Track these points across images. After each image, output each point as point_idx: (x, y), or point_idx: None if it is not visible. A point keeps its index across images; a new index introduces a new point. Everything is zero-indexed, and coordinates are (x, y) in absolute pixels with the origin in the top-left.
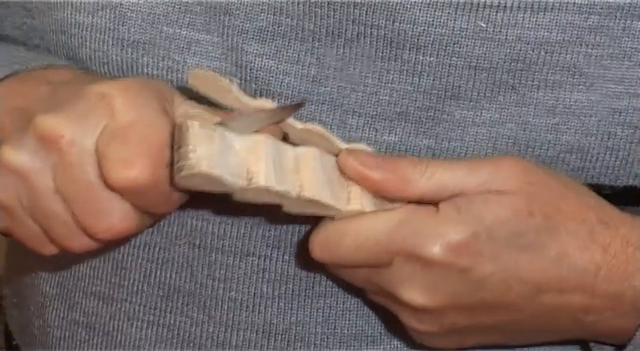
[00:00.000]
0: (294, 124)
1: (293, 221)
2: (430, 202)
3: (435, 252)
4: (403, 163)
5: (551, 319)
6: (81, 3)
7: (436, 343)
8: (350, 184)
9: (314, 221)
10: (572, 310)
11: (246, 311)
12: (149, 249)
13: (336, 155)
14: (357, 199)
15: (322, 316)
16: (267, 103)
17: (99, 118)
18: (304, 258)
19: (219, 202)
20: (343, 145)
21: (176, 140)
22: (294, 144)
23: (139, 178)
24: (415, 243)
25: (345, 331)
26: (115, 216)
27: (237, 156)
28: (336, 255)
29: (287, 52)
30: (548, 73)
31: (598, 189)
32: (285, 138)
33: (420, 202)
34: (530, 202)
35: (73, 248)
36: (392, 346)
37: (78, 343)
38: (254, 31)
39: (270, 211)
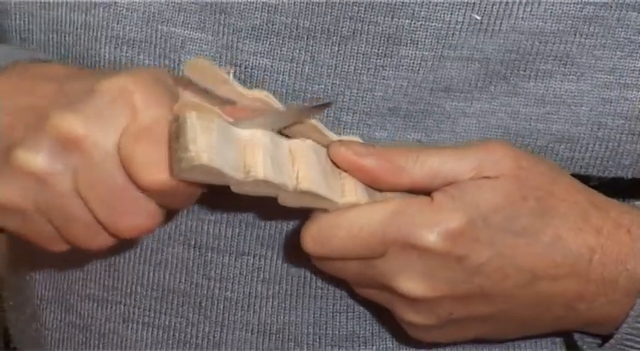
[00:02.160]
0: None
1: (287, 218)
2: (423, 189)
3: (432, 240)
4: (395, 151)
5: (546, 308)
6: (75, 1)
7: (430, 337)
8: (343, 176)
9: (307, 216)
10: (566, 298)
11: (241, 311)
12: (142, 251)
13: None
14: (351, 191)
15: (314, 317)
16: (262, 94)
17: (119, 117)
18: (295, 254)
19: (214, 200)
20: (335, 138)
21: (174, 131)
22: (287, 136)
23: (172, 181)
24: (410, 232)
25: (337, 332)
26: (141, 215)
27: (235, 148)
28: (328, 247)
29: (281, 50)
30: (540, 63)
31: (586, 180)
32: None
33: (412, 190)
34: (522, 186)
35: (89, 246)
36: (384, 346)
37: (75, 345)
38: (248, 30)
39: (264, 208)
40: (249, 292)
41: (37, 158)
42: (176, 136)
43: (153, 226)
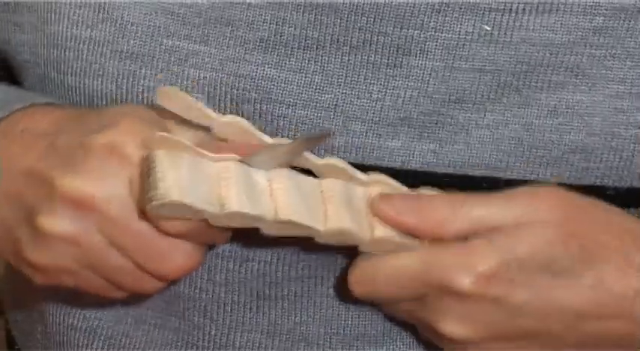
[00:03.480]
0: (314, 159)
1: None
2: (466, 236)
3: (466, 283)
4: (438, 203)
5: (596, 345)
6: (79, 17)
7: None
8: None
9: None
10: (614, 338)
11: (249, 312)
12: None
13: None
14: (380, 227)
15: (326, 316)
16: (235, 119)
17: (119, 171)
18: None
19: None
20: (364, 177)
21: (145, 170)
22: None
23: (194, 223)
24: (445, 277)
25: (348, 332)
26: (179, 257)
27: (207, 182)
28: (372, 291)
29: (290, 61)
30: (551, 75)
31: (602, 190)
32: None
33: (456, 238)
34: (564, 233)
35: (144, 292)
36: (394, 346)
37: (78, 348)
38: (256, 41)
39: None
40: (257, 295)
41: (59, 223)
42: (147, 174)
43: (195, 265)
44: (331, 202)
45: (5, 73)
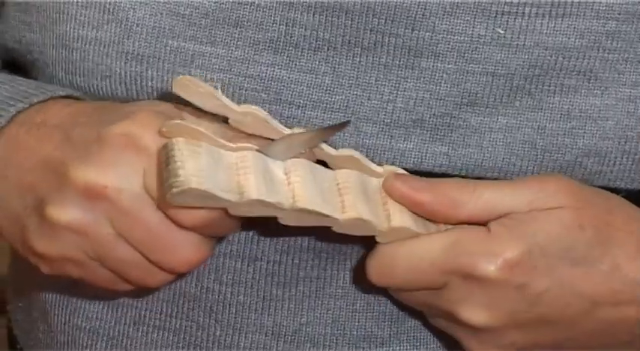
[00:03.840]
0: (328, 150)
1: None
2: (479, 222)
3: (490, 270)
4: (451, 185)
5: (609, 334)
6: (85, 17)
7: None
8: (387, 200)
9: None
10: (629, 324)
11: (255, 314)
12: None
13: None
14: (396, 217)
15: (332, 318)
16: (251, 108)
17: (134, 161)
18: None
19: None
20: (379, 169)
21: (163, 158)
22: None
23: (211, 214)
24: (469, 262)
25: (355, 333)
26: (188, 249)
27: (226, 170)
28: (391, 277)
29: (300, 62)
30: (564, 78)
31: (614, 192)
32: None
33: (468, 222)
34: (579, 217)
35: (151, 285)
36: (401, 347)
37: (81, 347)
38: (266, 42)
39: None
40: (264, 296)
41: (68, 213)
42: (165, 163)
43: (203, 257)
44: (348, 192)
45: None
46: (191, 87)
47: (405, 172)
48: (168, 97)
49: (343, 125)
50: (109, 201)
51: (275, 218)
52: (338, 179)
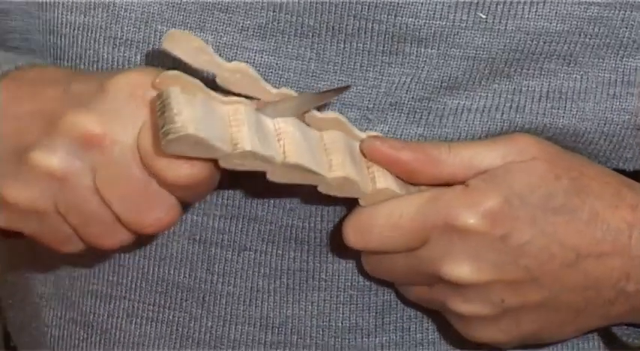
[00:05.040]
0: (314, 113)
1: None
2: (460, 181)
3: (471, 221)
4: (427, 144)
5: (596, 291)
6: (73, 3)
7: (488, 334)
8: (371, 165)
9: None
10: (613, 278)
11: (243, 305)
12: (147, 246)
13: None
14: (381, 179)
15: (317, 310)
16: (241, 65)
17: (137, 113)
18: (297, 247)
19: (222, 197)
20: (362, 135)
21: (159, 107)
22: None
23: (200, 174)
24: (449, 213)
25: (340, 324)
26: (162, 209)
27: (220, 121)
28: (369, 237)
29: (286, 48)
30: (544, 62)
31: None
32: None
33: (449, 183)
34: (553, 167)
35: (107, 245)
36: (387, 338)
37: (76, 341)
38: (254, 28)
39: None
40: (251, 287)
41: (54, 158)
42: (161, 111)
43: (173, 220)
44: (335, 152)
45: None
46: (182, 41)
47: (379, 135)
48: None
49: (341, 90)
50: (102, 150)
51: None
52: (325, 140)
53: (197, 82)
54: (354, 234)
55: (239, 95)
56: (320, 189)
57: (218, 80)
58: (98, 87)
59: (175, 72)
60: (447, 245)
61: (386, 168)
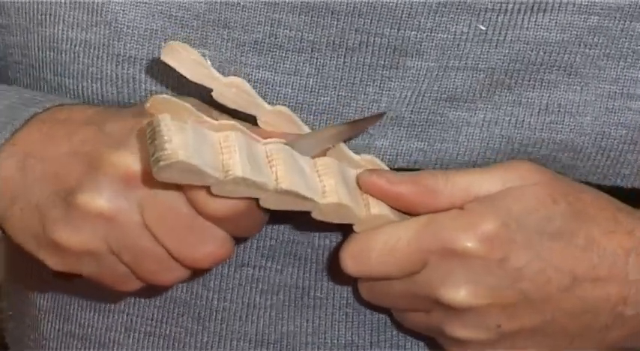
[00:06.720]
0: (349, 154)
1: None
2: (453, 207)
3: (469, 244)
4: (423, 175)
5: (593, 315)
6: (74, 19)
7: None
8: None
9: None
10: (610, 302)
11: (239, 321)
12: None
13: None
14: (375, 205)
15: (312, 327)
16: (237, 80)
17: None
18: (295, 264)
19: None
20: (356, 157)
21: (149, 134)
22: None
23: (238, 205)
24: (447, 237)
25: (335, 341)
26: (212, 243)
27: (211, 148)
28: (367, 263)
29: (284, 64)
30: (544, 73)
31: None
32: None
33: (446, 207)
34: (551, 191)
35: (164, 282)
36: None
37: None
38: (251, 44)
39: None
40: (248, 303)
41: (100, 199)
42: (151, 138)
43: (226, 254)
44: (329, 178)
45: None
46: (182, 53)
47: (380, 166)
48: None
49: (376, 118)
50: (144, 188)
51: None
52: (318, 165)
53: (188, 106)
54: (352, 261)
55: (235, 111)
56: (314, 215)
57: (214, 94)
58: (132, 127)
59: (165, 96)
60: (445, 269)
61: (384, 201)
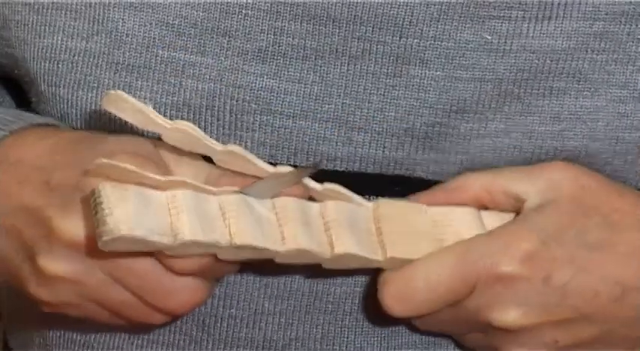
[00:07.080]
0: (314, 186)
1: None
2: (485, 203)
3: (512, 267)
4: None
5: None
6: (74, 29)
7: None
8: (329, 227)
9: None
10: None
11: (246, 328)
12: None
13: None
14: (340, 243)
15: (321, 333)
16: (183, 124)
17: None
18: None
19: None
20: (366, 203)
21: (92, 205)
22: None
23: (203, 260)
24: (487, 264)
25: (344, 348)
26: (184, 293)
27: (157, 212)
28: (413, 303)
29: (288, 71)
30: (553, 81)
31: None
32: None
33: (475, 203)
34: (582, 206)
35: (153, 323)
36: None
37: None
38: (254, 52)
39: None
40: (255, 309)
41: (59, 266)
42: (95, 211)
43: (201, 300)
44: (286, 223)
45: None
46: (120, 103)
47: (345, 194)
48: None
49: (313, 168)
50: (97, 253)
51: None
52: (277, 208)
53: (131, 168)
54: (397, 304)
55: (189, 152)
56: (277, 260)
57: (163, 138)
58: (75, 184)
59: (106, 161)
60: (491, 293)
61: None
